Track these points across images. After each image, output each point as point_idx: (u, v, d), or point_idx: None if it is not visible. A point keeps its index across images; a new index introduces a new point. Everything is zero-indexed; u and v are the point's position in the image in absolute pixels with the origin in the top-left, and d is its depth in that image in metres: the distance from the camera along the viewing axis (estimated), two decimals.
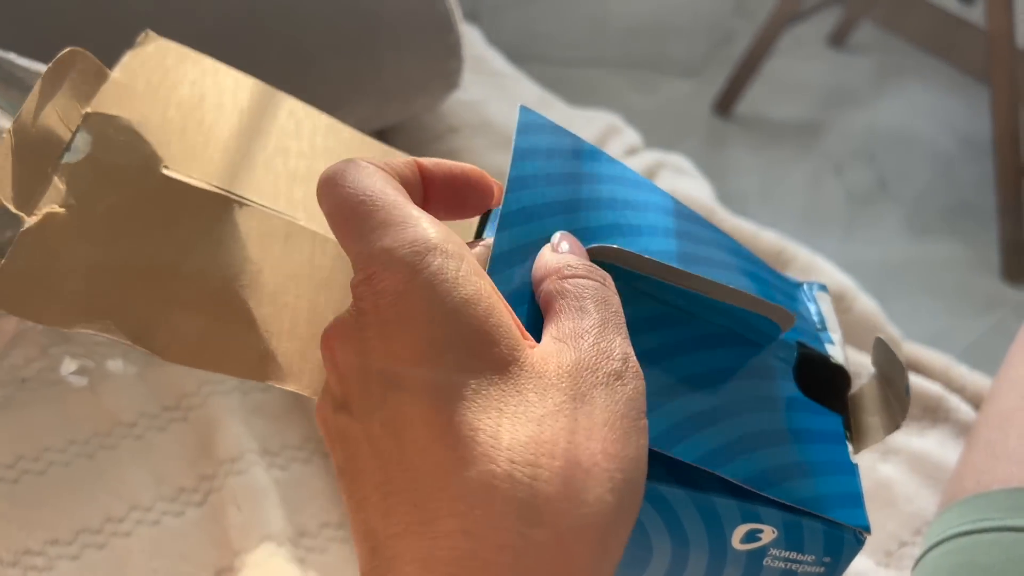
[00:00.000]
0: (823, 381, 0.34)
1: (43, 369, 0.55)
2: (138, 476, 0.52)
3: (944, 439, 0.60)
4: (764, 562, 0.31)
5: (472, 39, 0.86)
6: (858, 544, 0.31)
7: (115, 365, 0.56)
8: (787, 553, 0.31)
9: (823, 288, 0.38)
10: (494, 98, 0.81)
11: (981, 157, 1.56)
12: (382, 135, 0.74)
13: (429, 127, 0.76)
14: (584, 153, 0.33)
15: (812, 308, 0.37)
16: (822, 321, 0.36)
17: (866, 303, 0.67)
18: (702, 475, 0.30)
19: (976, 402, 0.62)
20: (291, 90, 0.64)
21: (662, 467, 0.29)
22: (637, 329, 0.29)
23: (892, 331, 0.66)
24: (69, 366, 0.55)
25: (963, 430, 0.60)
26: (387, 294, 0.24)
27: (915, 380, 0.62)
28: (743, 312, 0.31)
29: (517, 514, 0.22)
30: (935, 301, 1.40)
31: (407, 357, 0.24)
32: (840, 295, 0.67)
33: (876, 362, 0.33)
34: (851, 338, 0.65)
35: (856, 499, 0.31)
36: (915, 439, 0.60)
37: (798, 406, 0.32)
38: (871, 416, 0.33)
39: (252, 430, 0.54)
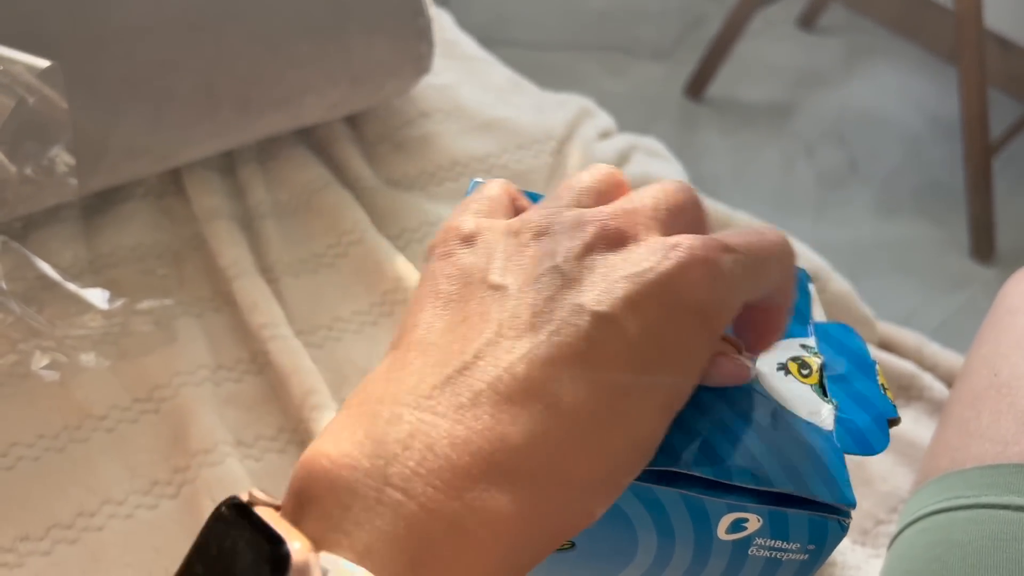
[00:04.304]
0: None
1: (13, 364, 0.54)
2: (110, 469, 0.51)
3: (918, 416, 0.61)
4: (749, 551, 0.31)
5: (442, 23, 0.85)
6: (842, 531, 0.30)
7: (87, 359, 0.55)
8: (772, 542, 0.31)
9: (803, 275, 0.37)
10: (466, 82, 0.81)
11: (950, 137, 1.57)
12: (352, 120, 0.73)
13: (400, 112, 0.75)
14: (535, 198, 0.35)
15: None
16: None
17: (839, 283, 0.67)
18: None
19: (949, 380, 0.63)
20: (259, 75, 0.63)
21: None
22: None
23: (865, 310, 0.66)
24: (40, 361, 0.54)
25: (937, 408, 0.61)
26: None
27: (888, 359, 0.63)
28: None
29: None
30: (906, 280, 1.41)
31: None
32: (813, 276, 0.67)
33: None
34: (825, 318, 0.65)
35: (840, 476, 0.30)
36: None
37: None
38: None
39: (225, 421, 0.53)
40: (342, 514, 0.21)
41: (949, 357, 0.65)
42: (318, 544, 0.21)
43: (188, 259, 0.62)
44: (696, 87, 1.64)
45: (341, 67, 0.66)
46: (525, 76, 0.85)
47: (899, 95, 1.70)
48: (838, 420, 0.32)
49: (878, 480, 0.57)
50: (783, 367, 0.33)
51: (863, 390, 0.33)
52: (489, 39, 1.00)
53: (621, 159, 0.75)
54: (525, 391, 0.23)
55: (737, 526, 0.30)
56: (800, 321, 0.35)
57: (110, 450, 0.52)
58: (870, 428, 0.32)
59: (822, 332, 0.35)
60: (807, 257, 0.68)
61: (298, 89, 0.65)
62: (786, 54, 1.75)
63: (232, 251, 0.61)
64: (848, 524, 0.30)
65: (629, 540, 0.31)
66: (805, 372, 0.33)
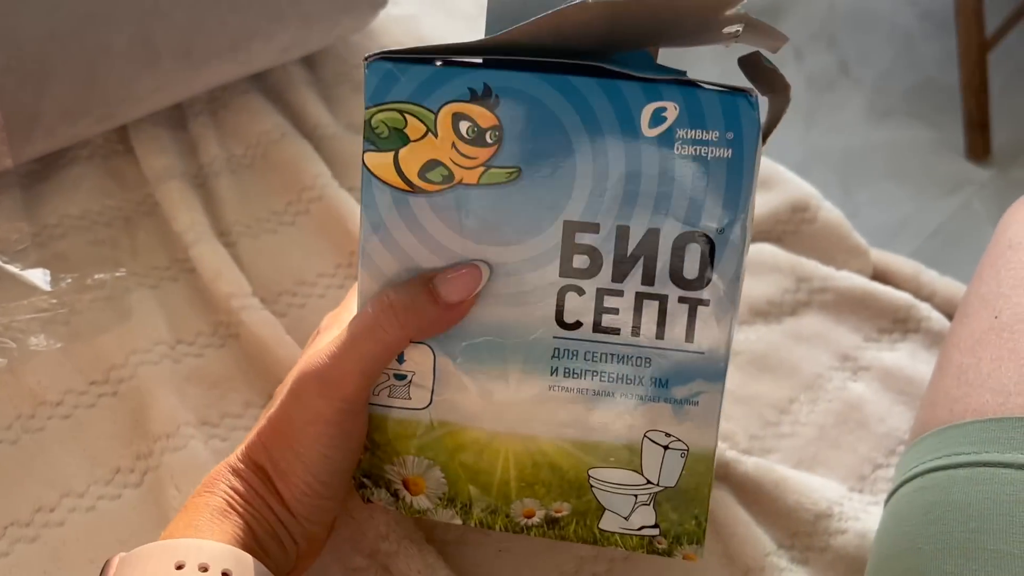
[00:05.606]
0: None
1: None
2: (69, 459, 0.48)
3: (915, 350, 0.58)
4: (675, 148, 0.35)
5: None
6: (752, 109, 0.35)
7: (37, 341, 0.52)
8: (692, 132, 0.35)
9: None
10: (428, 12, 0.76)
11: (943, 33, 1.52)
12: (308, 62, 0.69)
13: (359, 50, 0.70)
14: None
15: None
16: None
17: (830, 212, 0.64)
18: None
19: (947, 310, 0.60)
20: (199, 22, 0.59)
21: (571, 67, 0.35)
22: None
23: (858, 240, 0.63)
24: None
25: (935, 340, 0.58)
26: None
27: (884, 290, 0.60)
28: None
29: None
30: (900, 186, 1.38)
31: None
32: (804, 205, 0.64)
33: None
34: (815, 250, 0.62)
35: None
36: (886, 353, 0.58)
37: None
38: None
39: (186, 400, 0.51)
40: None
41: (948, 284, 0.62)
42: None
43: (140, 225, 0.59)
44: None
45: (289, 6, 0.61)
46: None
47: None
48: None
49: (874, 421, 0.55)
50: None
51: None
52: None
53: None
54: None
55: (658, 117, 0.35)
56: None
57: (67, 439, 0.49)
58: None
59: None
60: (796, 184, 0.65)
61: (244, 34, 0.61)
62: None
63: (187, 215, 0.58)
64: (756, 101, 0.35)
65: (564, 146, 0.35)
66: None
